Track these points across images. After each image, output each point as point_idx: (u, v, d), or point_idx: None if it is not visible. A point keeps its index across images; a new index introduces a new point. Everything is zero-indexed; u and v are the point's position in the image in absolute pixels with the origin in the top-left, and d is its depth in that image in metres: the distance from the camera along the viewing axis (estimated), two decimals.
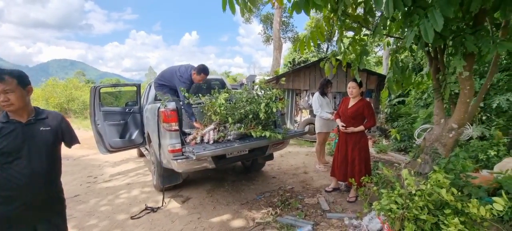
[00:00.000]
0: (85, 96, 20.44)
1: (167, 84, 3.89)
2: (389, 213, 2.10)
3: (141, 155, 6.36)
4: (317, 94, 4.82)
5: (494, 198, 1.80)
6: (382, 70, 14.53)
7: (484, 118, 7.31)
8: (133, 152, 6.68)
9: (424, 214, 1.99)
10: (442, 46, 2.83)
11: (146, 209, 3.35)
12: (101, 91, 4.72)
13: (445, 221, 1.90)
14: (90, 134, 12.60)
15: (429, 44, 2.77)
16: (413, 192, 2.12)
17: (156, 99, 4.33)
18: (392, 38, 3.49)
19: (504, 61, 7.17)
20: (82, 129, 13.49)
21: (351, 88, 3.31)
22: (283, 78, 7.29)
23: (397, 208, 2.09)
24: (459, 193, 2.01)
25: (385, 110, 9.57)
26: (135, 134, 4.84)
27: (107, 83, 6.02)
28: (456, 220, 1.82)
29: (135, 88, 4.97)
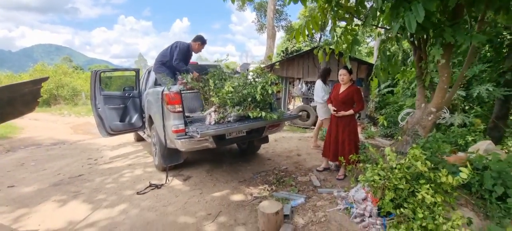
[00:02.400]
0: (74, 82, 20.14)
1: (167, 61, 4.20)
2: (373, 184, 2.40)
3: (139, 139, 6.53)
4: (320, 82, 5.08)
5: (461, 168, 2.12)
6: (373, 60, 14.91)
7: (467, 107, 7.77)
8: (130, 137, 6.84)
9: (402, 183, 2.30)
10: (425, 37, 3.11)
11: (150, 185, 3.59)
12: (101, 75, 4.83)
13: (419, 189, 2.22)
14: (82, 120, 12.61)
15: (414, 35, 3.04)
16: (394, 166, 2.43)
17: (156, 83, 4.50)
18: (383, 29, 3.75)
19: (488, 54, 7.58)
20: (73, 116, 13.44)
21: (342, 75, 3.56)
22: (277, 63, 7.52)
23: (379, 179, 2.39)
24: (432, 166, 2.32)
25: (375, 99, 9.96)
26: (134, 118, 5.01)
27: (107, 68, 6.10)
28: (426, 186, 2.13)
29: (134, 73, 5.11)
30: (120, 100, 4.95)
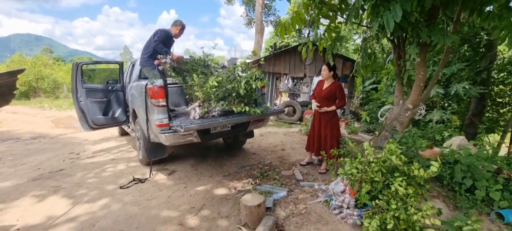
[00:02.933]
0: (55, 74, 19.41)
1: (152, 52, 4.18)
2: (351, 177, 2.51)
3: (123, 133, 6.42)
4: (318, 79, 5.16)
5: (431, 162, 2.24)
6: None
7: (446, 104, 8.10)
8: (114, 131, 6.71)
9: (378, 176, 2.41)
10: (404, 36, 3.22)
11: (134, 180, 3.56)
12: (82, 68, 4.70)
13: (393, 182, 2.33)
14: (64, 113, 12.24)
15: (393, 34, 3.15)
16: (371, 160, 2.53)
17: (140, 77, 4.43)
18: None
19: (467, 53, 7.90)
20: (55, 109, 12.99)
21: (322, 70, 3.64)
22: (262, 59, 7.54)
23: (357, 173, 2.50)
24: (406, 160, 2.44)
25: (359, 96, 10.21)
26: (118, 112, 4.92)
27: (89, 61, 5.93)
28: (400, 178, 2.24)
29: (117, 66, 5.00)
30: (103, 93, 4.84)
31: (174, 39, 4.44)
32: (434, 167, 2.23)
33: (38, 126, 8.48)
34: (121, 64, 4.92)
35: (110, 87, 4.92)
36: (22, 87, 16.92)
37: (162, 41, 4.18)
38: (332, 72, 3.65)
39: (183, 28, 4.40)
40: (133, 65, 4.90)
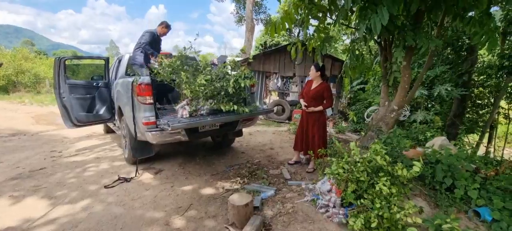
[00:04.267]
0: (37, 68, 18.68)
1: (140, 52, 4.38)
2: (337, 176, 2.54)
3: (108, 131, 6.27)
4: None
5: (414, 162, 2.31)
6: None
7: (429, 105, 8.35)
8: (98, 128, 6.54)
9: (363, 176, 2.46)
10: (390, 39, 3.29)
11: (119, 179, 3.48)
12: (66, 63, 4.54)
13: (378, 181, 2.38)
14: (47, 109, 11.84)
15: (380, 36, 3.21)
16: (357, 159, 2.58)
17: (126, 73, 4.33)
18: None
19: (450, 56, 8.17)
20: (36, 104, 12.52)
21: (310, 70, 3.69)
22: (251, 57, 7.54)
23: (343, 172, 2.54)
24: (391, 160, 2.50)
25: (347, 96, 10.37)
26: (103, 109, 4.78)
27: (72, 55, 5.73)
28: (384, 178, 2.29)
29: (103, 61, 4.85)
30: (87, 90, 4.68)
31: (161, 38, 4.70)
32: (417, 167, 2.29)
33: (18, 122, 8.14)
34: (106, 60, 4.78)
35: (95, 84, 4.77)
36: (1, 81, 16.20)
37: (149, 42, 4.40)
38: (319, 73, 3.69)
39: (167, 27, 4.72)
40: (119, 61, 4.77)
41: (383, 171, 2.49)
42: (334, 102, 3.47)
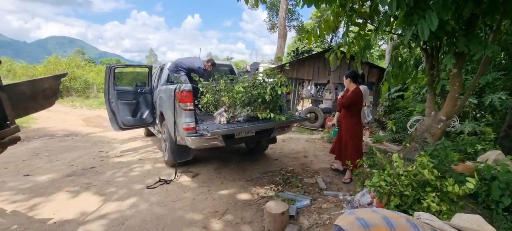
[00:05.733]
0: (87, 75, 20.59)
1: (185, 71, 4.64)
2: (379, 189, 2.43)
3: (149, 134, 6.67)
4: (365, 87, 5.13)
5: (467, 178, 2.13)
6: (385, 63, 14.73)
7: (478, 115, 7.63)
8: (139, 131, 6.99)
9: (408, 190, 2.32)
10: (438, 44, 3.09)
11: (160, 180, 3.68)
12: (115, 71, 4.95)
13: (425, 197, 2.23)
14: (94, 112, 12.91)
15: (426, 42, 3.03)
16: (401, 172, 2.44)
17: (168, 81, 4.60)
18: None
19: (503, 61, 7.42)
20: (85, 108, 13.77)
21: (344, 79, 3.70)
22: (287, 65, 7.54)
23: (386, 185, 2.41)
24: (439, 174, 2.33)
25: (384, 103, 9.87)
26: (146, 113, 5.13)
27: (121, 64, 6.25)
28: (432, 194, 2.14)
29: (146, 69, 5.22)
30: (132, 95, 5.07)
31: (203, 72, 4.80)
32: (471, 184, 2.11)
33: (70, 123, 9.03)
34: (150, 68, 5.14)
35: (139, 90, 5.14)
36: None
37: (187, 73, 4.64)
38: (348, 79, 3.65)
39: (214, 65, 4.94)
40: (161, 69, 5.09)
41: (431, 186, 2.32)
42: (349, 104, 3.40)
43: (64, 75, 2.45)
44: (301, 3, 2.84)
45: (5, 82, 1.90)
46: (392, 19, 3.06)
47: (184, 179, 3.84)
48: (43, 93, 2.16)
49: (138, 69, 6.30)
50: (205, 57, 5.41)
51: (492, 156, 3.74)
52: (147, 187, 3.52)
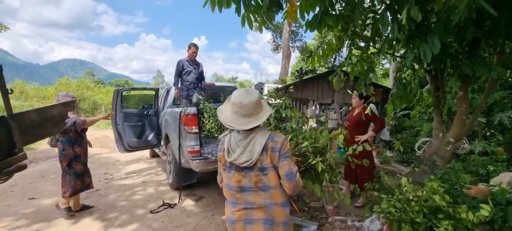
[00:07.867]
0: (95, 96, 21.06)
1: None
2: (388, 216, 2.34)
3: (154, 155, 6.67)
4: (373, 106, 5.13)
5: (481, 205, 2.04)
6: (389, 82, 14.73)
7: (487, 134, 7.46)
8: (145, 153, 6.99)
9: (420, 217, 2.23)
10: (442, 66, 3.09)
11: (163, 204, 3.63)
12: (123, 94, 5.06)
13: (438, 224, 2.14)
14: (101, 133, 13.01)
15: (430, 65, 3.03)
16: (411, 197, 2.36)
17: (174, 103, 4.66)
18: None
19: (510, 79, 7.34)
20: (92, 129, 13.93)
21: (353, 98, 3.68)
22: (292, 87, 7.59)
23: (396, 212, 2.33)
24: (451, 200, 2.24)
25: (391, 123, 9.76)
26: (151, 136, 5.17)
27: (128, 87, 6.40)
28: (445, 222, 2.05)
29: (153, 92, 5.31)
30: (138, 118, 5.14)
31: (189, 62, 4.67)
32: (485, 211, 2.02)
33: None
34: (156, 91, 5.23)
35: (145, 112, 5.21)
36: None
37: (177, 74, 4.62)
38: (362, 100, 3.60)
39: (192, 47, 4.67)
40: (167, 92, 5.18)
41: (443, 213, 2.23)
42: (384, 123, 3.33)
43: (72, 102, 2.52)
44: (305, 27, 2.90)
45: (17, 103, 1.95)
46: (394, 42, 3.08)
47: (188, 202, 3.78)
48: (51, 120, 2.20)
49: (145, 92, 6.43)
50: (210, 78, 5.43)
51: (506, 178, 3.61)
52: (151, 212, 3.47)
